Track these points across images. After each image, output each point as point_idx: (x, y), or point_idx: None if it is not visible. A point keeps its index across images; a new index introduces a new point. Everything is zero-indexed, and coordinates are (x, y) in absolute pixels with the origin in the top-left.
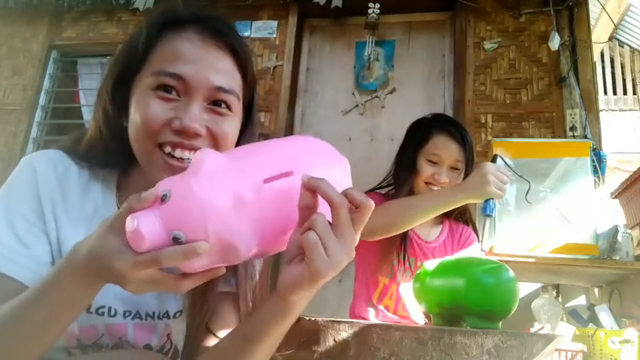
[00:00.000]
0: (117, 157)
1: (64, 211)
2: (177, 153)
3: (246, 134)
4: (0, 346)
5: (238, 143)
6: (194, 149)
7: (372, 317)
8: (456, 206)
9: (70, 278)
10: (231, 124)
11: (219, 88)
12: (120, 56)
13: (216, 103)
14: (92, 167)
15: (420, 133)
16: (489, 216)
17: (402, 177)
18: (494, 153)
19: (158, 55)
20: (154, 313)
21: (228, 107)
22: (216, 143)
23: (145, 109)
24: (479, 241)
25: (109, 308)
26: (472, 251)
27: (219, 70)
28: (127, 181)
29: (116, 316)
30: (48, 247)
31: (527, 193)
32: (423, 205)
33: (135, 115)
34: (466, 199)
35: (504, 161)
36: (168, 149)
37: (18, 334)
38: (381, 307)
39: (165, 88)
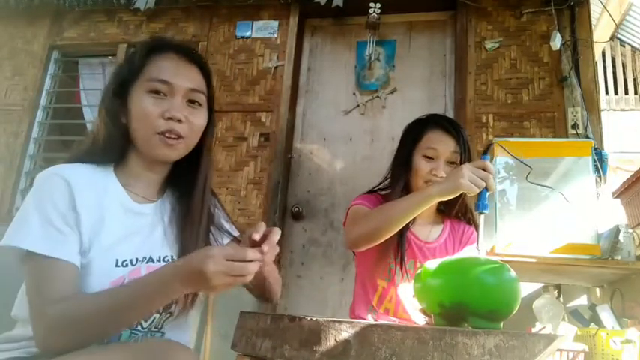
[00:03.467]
0: (115, 148)
1: (82, 202)
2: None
3: (210, 125)
4: (104, 320)
5: (204, 131)
6: (179, 136)
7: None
8: (433, 203)
9: (172, 278)
10: (201, 116)
11: (193, 89)
12: (119, 70)
13: (191, 101)
14: (92, 163)
15: (414, 131)
16: (482, 213)
17: (397, 175)
18: (490, 143)
19: (149, 69)
20: (160, 256)
21: (199, 104)
22: (190, 127)
23: (144, 106)
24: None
25: (131, 260)
26: (474, 250)
27: (192, 78)
28: (123, 167)
29: (136, 264)
30: (77, 234)
31: (527, 175)
32: (398, 206)
33: (136, 111)
34: (439, 193)
35: (504, 150)
36: (162, 134)
37: (120, 314)
38: (381, 311)
39: (157, 91)
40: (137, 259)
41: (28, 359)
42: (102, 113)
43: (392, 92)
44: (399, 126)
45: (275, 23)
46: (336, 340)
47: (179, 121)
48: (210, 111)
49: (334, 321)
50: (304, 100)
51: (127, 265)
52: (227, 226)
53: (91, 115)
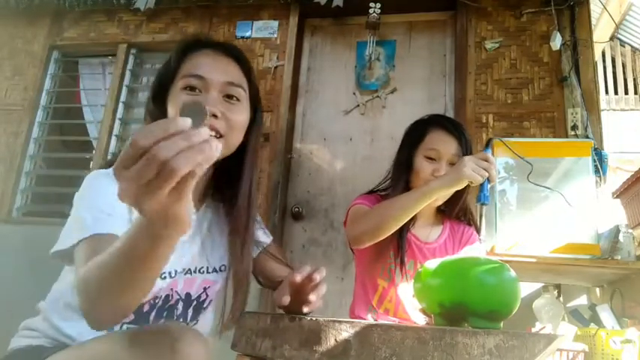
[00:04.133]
0: None
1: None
2: None
3: (254, 124)
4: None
5: (248, 131)
6: (214, 129)
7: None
8: (436, 195)
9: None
10: (240, 111)
11: (229, 83)
12: (159, 72)
13: (228, 96)
14: None
15: (416, 132)
16: (484, 204)
17: (398, 175)
18: (490, 138)
19: (185, 67)
20: (197, 267)
21: (238, 99)
22: (228, 124)
23: (178, 103)
24: (478, 234)
25: (169, 272)
26: (473, 250)
27: (228, 72)
28: None
29: (175, 276)
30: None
31: (529, 174)
32: (401, 201)
33: (171, 109)
34: (443, 186)
35: (506, 146)
36: None
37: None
38: (381, 311)
39: (192, 87)
40: (176, 271)
41: (50, 349)
42: (146, 117)
43: (392, 92)
44: (399, 126)
45: (275, 23)
46: (336, 340)
47: (215, 116)
48: (256, 109)
49: (334, 321)
50: (304, 100)
51: (165, 277)
52: (260, 233)
53: (91, 115)
